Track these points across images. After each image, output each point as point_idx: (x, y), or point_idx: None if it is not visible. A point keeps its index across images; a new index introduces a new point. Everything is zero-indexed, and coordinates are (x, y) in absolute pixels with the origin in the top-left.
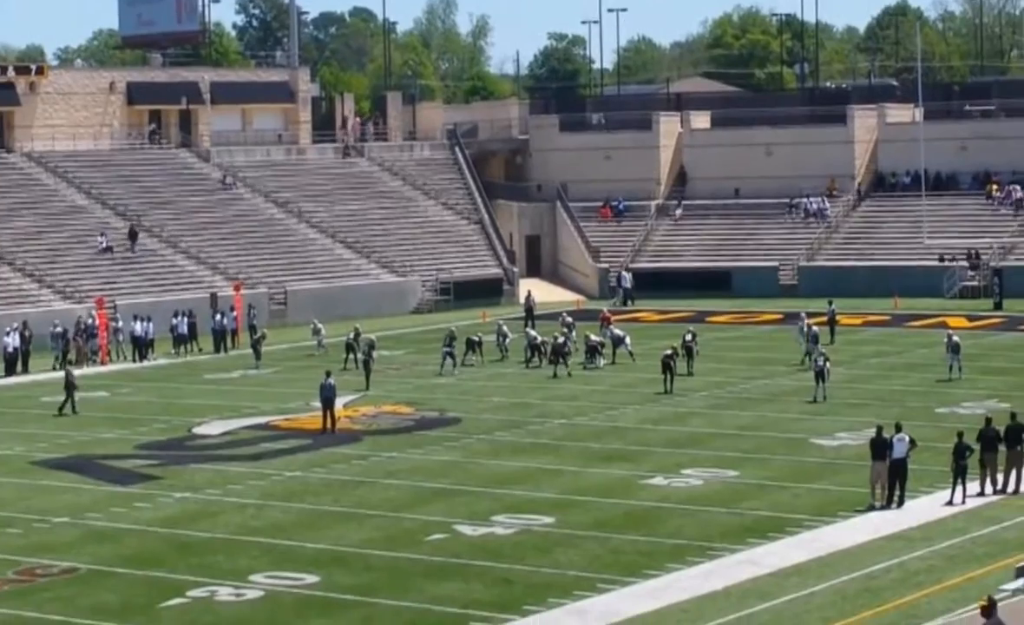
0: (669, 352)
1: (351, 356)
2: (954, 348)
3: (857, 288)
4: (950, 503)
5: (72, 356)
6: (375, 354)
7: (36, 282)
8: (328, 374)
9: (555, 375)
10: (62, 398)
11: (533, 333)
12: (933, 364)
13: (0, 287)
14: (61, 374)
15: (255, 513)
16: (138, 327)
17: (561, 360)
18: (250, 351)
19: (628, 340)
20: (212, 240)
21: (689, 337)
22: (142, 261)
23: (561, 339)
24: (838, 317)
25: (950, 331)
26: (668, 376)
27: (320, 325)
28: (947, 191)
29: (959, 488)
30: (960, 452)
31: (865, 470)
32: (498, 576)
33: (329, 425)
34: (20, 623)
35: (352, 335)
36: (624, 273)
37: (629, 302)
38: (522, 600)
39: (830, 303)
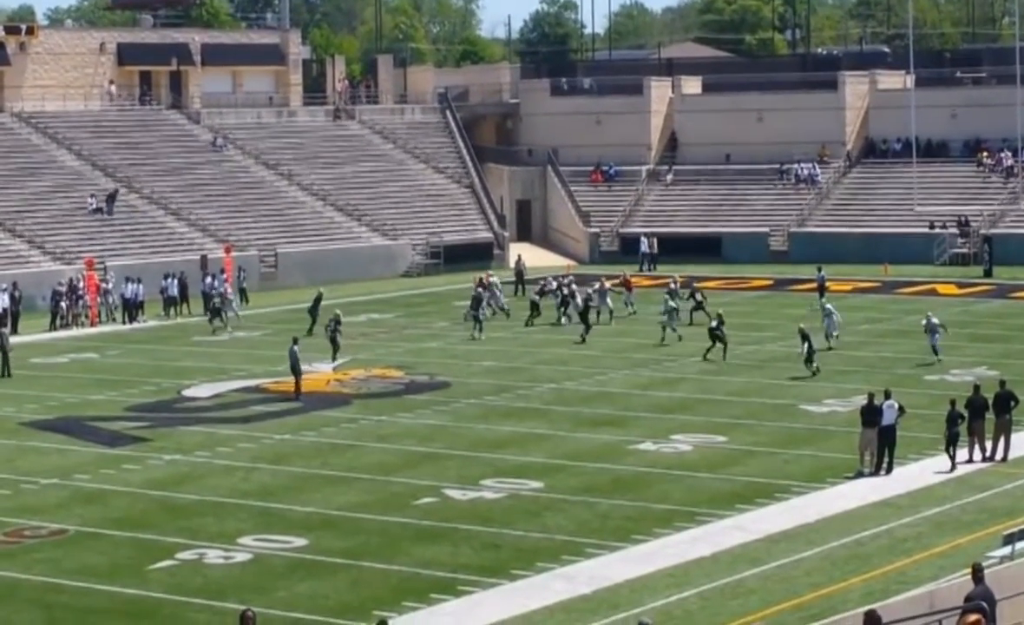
0: (715, 324)
1: (314, 323)
2: (932, 330)
3: (847, 254)
4: (953, 469)
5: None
6: (341, 328)
7: (26, 243)
8: (295, 340)
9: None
10: (47, 359)
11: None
12: (922, 331)
13: None
14: (54, 335)
15: (244, 476)
16: (128, 289)
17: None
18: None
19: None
20: (202, 202)
21: (700, 296)
22: (132, 223)
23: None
24: (828, 283)
25: (929, 312)
26: (717, 345)
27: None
28: (938, 158)
29: (952, 454)
30: (952, 419)
31: (854, 437)
32: (487, 540)
33: (295, 390)
34: (8, 584)
35: (314, 301)
36: (644, 238)
37: (652, 267)
38: (510, 564)
39: (819, 269)
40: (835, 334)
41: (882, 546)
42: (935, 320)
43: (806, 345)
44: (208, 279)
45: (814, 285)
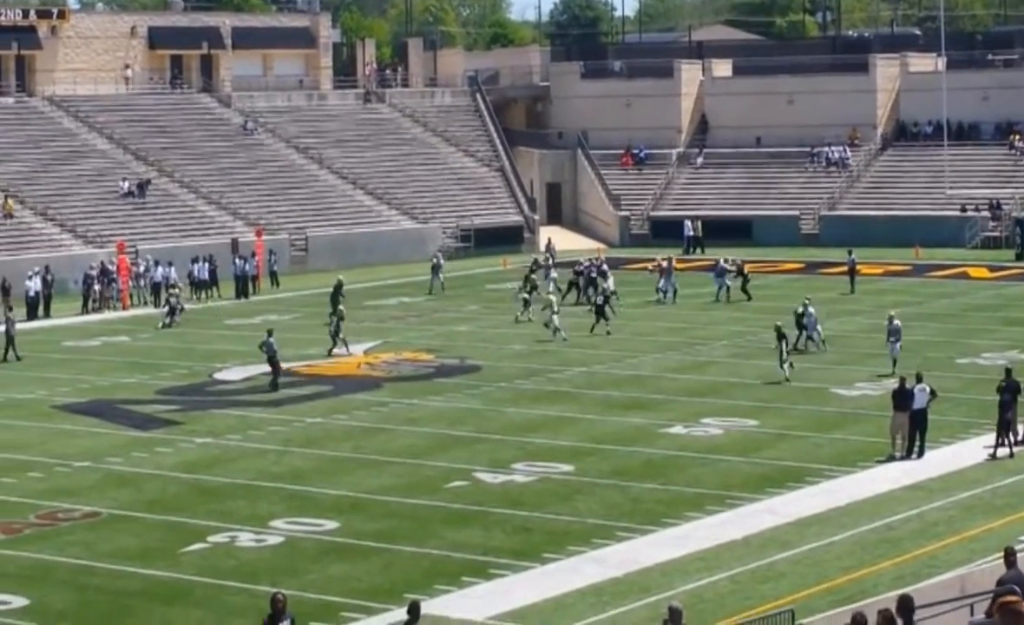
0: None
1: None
2: (895, 332)
3: (878, 238)
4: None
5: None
6: (342, 324)
7: (58, 226)
8: (270, 333)
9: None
10: (79, 342)
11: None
12: (954, 314)
13: (22, 232)
14: (86, 318)
15: (276, 459)
16: (159, 272)
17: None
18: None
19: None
20: (233, 185)
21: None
22: (163, 206)
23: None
24: (858, 267)
25: (892, 313)
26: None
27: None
28: (969, 141)
29: (1005, 439)
30: (1004, 406)
31: (885, 420)
32: (518, 524)
33: (272, 382)
34: (42, 566)
35: (334, 289)
36: (688, 221)
37: (696, 250)
38: (541, 548)
39: (850, 252)
40: (816, 337)
41: (913, 530)
42: (897, 321)
43: (783, 343)
44: (239, 261)
45: (845, 268)
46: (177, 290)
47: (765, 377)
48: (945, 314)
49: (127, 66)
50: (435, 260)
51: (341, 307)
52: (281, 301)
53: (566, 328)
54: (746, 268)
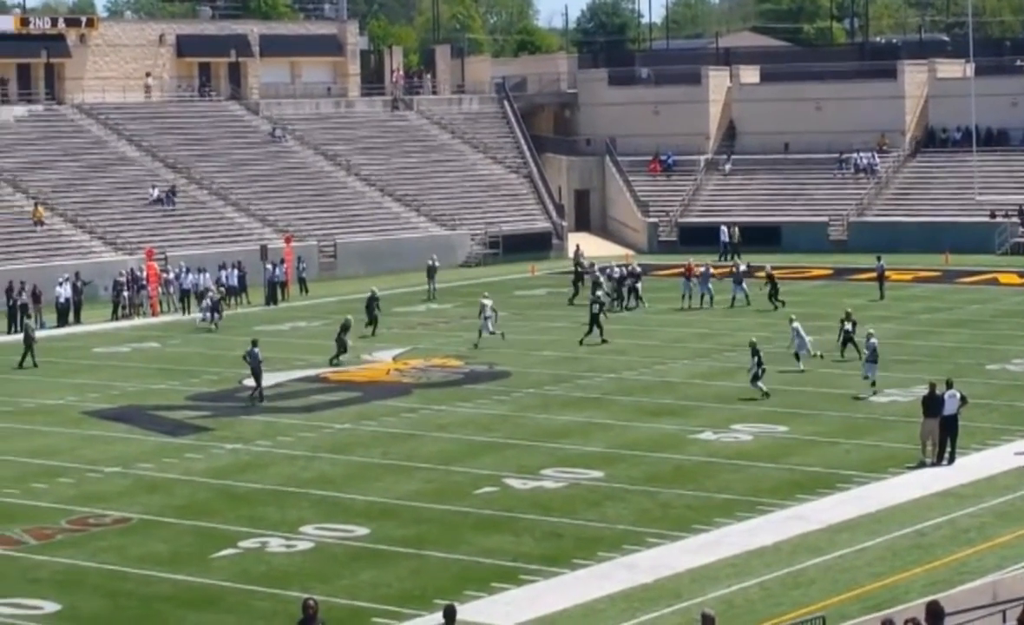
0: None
1: (373, 322)
2: (872, 353)
3: (907, 244)
4: None
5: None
6: (348, 337)
7: (87, 233)
8: (254, 343)
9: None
10: (109, 349)
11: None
12: (984, 320)
13: (52, 238)
14: (116, 325)
15: (305, 465)
16: (189, 279)
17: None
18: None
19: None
20: (261, 193)
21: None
22: (192, 213)
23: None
24: (887, 273)
25: (870, 330)
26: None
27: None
28: (998, 147)
29: None
30: None
31: (915, 426)
32: (548, 529)
33: (257, 393)
34: (73, 572)
35: (368, 300)
36: (724, 227)
37: (732, 256)
38: (571, 554)
39: (879, 259)
40: (810, 352)
41: (944, 536)
42: (874, 340)
43: (756, 359)
44: (269, 267)
45: (874, 274)
46: (220, 291)
47: (795, 383)
48: (975, 320)
49: (148, 74)
50: (431, 263)
51: (350, 316)
52: (310, 308)
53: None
54: (775, 275)
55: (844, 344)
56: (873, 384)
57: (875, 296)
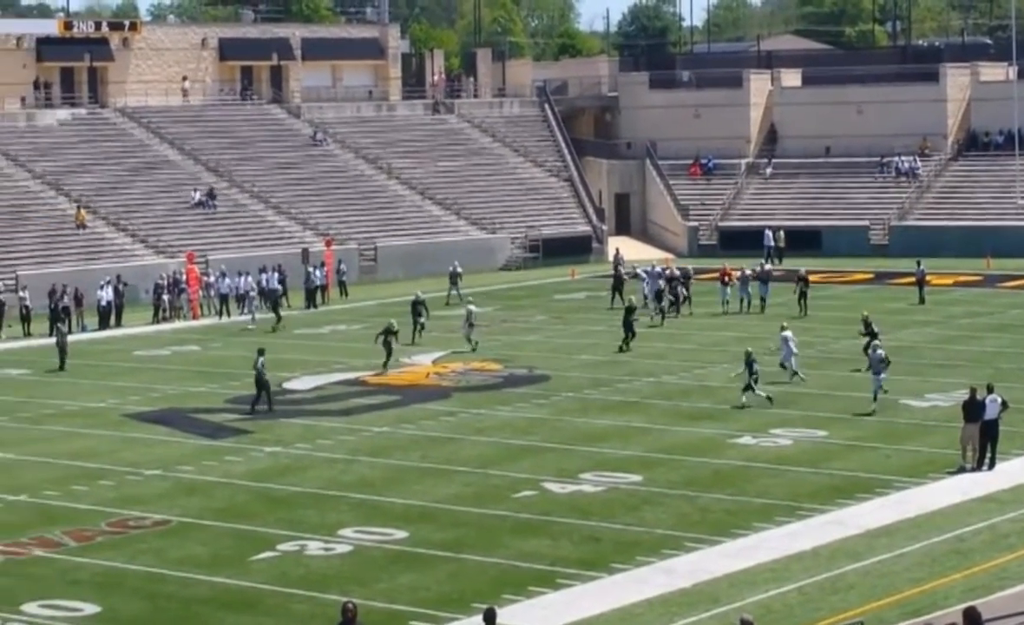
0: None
1: (419, 319)
2: (876, 363)
3: (949, 248)
4: None
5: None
6: (394, 340)
7: (129, 237)
8: (261, 352)
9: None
10: (150, 352)
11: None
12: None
13: (94, 242)
14: (157, 328)
15: (344, 468)
16: (225, 283)
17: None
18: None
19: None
20: (302, 196)
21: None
22: (233, 216)
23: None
24: (928, 277)
25: (877, 343)
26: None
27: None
28: None
29: None
30: None
31: (955, 432)
32: (586, 533)
33: (267, 406)
34: (114, 574)
35: (412, 304)
36: (768, 230)
37: (774, 260)
38: (610, 558)
39: (919, 264)
40: (792, 365)
41: (984, 542)
42: (881, 351)
43: (748, 369)
44: (310, 269)
45: (914, 279)
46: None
47: (834, 387)
48: (1016, 325)
49: (185, 78)
50: (452, 269)
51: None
52: (349, 311)
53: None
54: (809, 279)
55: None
56: (885, 391)
57: (915, 300)
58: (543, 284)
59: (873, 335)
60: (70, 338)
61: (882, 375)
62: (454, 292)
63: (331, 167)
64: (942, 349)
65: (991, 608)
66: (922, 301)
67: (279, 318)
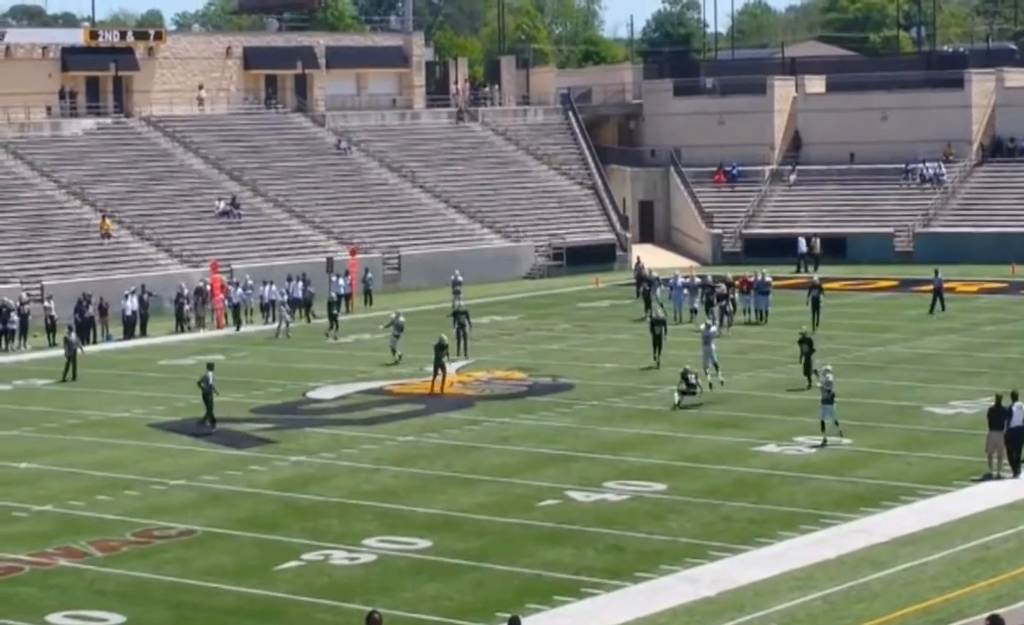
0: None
1: (463, 330)
2: (827, 393)
3: (973, 255)
4: None
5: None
6: (446, 356)
7: (154, 246)
8: (210, 367)
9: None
10: (174, 361)
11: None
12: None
13: (119, 251)
14: (182, 337)
15: (368, 477)
16: (237, 294)
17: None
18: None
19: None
20: (326, 204)
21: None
22: (258, 225)
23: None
24: (950, 285)
25: (827, 367)
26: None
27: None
28: None
29: None
30: None
31: (980, 439)
32: (610, 542)
33: (209, 423)
34: (139, 584)
35: (455, 309)
36: (801, 238)
37: (812, 267)
38: (634, 567)
39: (936, 273)
40: (707, 374)
41: (1010, 549)
42: (830, 377)
43: (684, 384)
44: (335, 278)
45: (931, 288)
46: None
47: (858, 395)
48: None
49: (201, 87)
50: (454, 277)
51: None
52: (374, 320)
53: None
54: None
55: (808, 371)
56: (837, 424)
57: (935, 309)
58: (567, 292)
59: (812, 351)
60: (94, 348)
61: (831, 406)
62: (458, 303)
63: (355, 175)
64: (966, 356)
65: (1016, 616)
66: (943, 308)
67: (334, 324)
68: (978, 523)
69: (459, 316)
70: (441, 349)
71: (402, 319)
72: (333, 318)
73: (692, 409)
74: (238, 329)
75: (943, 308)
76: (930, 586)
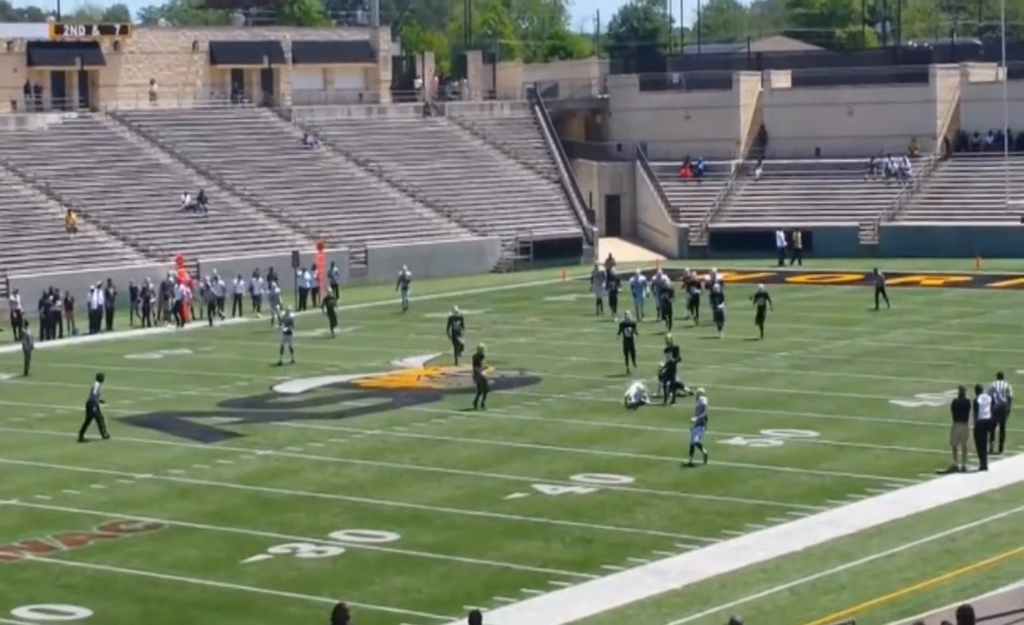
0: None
1: (459, 339)
2: (700, 416)
3: (938, 248)
4: None
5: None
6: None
7: (120, 240)
8: (99, 378)
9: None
10: (141, 355)
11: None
12: (1015, 325)
13: (85, 245)
14: (148, 331)
15: (336, 471)
16: (217, 285)
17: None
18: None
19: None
20: (293, 199)
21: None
22: (224, 220)
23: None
24: (915, 278)
25: (700, 390)
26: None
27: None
28: None
29: None
30: None
31: (946, 432)
32: (577, 535)
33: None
34: (105, 577)
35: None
36: (780, 231)
37: (795, 261)
38: (601, 559)
39: (876, 270)
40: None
41: (976, 541)
42: (703, 400)
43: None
44: (301, 272)
45: (878, 283)
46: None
47: (825, 388)
48: (1006, 325)
49: (152, 82)
50: (402, 272)
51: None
52: (341, 314)
53: None
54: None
55: (666, 379)
56: (701, 447)
57: (883, 305)
58: (534, 286)
59: (678, 360)
60: (60, 342)
61: (703, 429)
62: (404, 300)
63: (322, 170)
64: (933, 349)
65: (984, 607)
66: (887, 305)
67: (334, 324)
68: (944, 515)
69: (453, 322)
70: (479, 360)
71: (292, 315)
72: (332, 314)
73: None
74: (211, 324)
75: (886, 306)
76: (897, 578)
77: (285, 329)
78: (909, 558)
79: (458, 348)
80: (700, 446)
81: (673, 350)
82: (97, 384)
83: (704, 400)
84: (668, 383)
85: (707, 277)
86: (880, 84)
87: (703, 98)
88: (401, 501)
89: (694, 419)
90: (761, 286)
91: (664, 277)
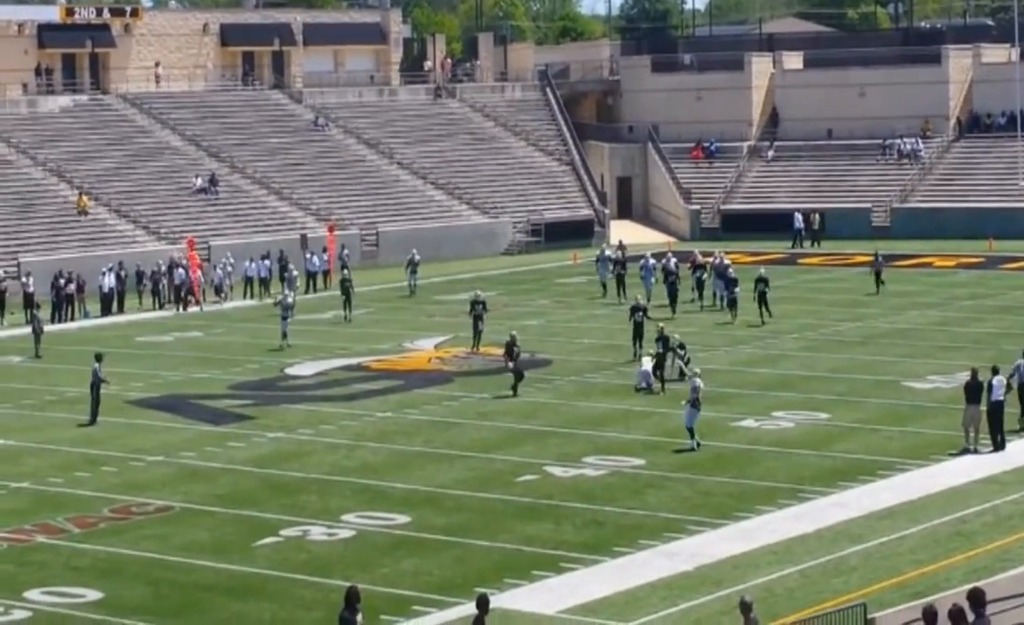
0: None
1: (480, 324)
2: (694, 397)
3: (951, 230)
4: None
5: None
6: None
7: (131, 223)
8: (98, 358)
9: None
10: (152, 338)
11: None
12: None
13: (95, 228)
14: (160, 314)
15: (347, 453)
16: (217, 272)
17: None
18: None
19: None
20: (304, 181)
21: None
22: (235, 202)
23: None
24: (927, 259)
25: (696, 371)
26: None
27: (417, 257)
28: None
29: None
30: None
31: (958, 413)
32: (589, 517)
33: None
34: (116, 560)
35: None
36: (798, 213)
37: (814, 243)
38: (612, 541)
39: (876, 254)
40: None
41: (986, 523)
42: (698, 382)
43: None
44: (310, 255)
45: (877, 268)
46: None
47: (837, 370)
48: (1019, 306)
49: (157, 64)
50: (411, 256)
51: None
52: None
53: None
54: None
55: (655, 370)
56: (693, 435)
57: (873, 290)
58: (545, 268)
59: (668, 350)
60: (72, 325)
61: (696, 412)
62: (413, 282)
63: (332, 152)
64: (945, 330)
65: (994, 589)
66: (880, 288)
67: (349, 307)
68: (955, 497)
69: (476, 306)
70: (511, 347)
71: (291, 299)
72: (346, 295)
73: (674, 384)
74: (201, 308)
75: (878, 290)
76: (907, 560)
77: (283, 314)
78: (920, 540)
79: (477, 334)
80: (692, 432)
81: (663, 339)
82: (97, 364)
83: (698, 382)
84: (658, 373)
85: (712, 259)
86: (892, 65)
87: (715, 79)
88: (412, 484)
89: (684, 402)
90: (762, 270)
91: (672, 260)
